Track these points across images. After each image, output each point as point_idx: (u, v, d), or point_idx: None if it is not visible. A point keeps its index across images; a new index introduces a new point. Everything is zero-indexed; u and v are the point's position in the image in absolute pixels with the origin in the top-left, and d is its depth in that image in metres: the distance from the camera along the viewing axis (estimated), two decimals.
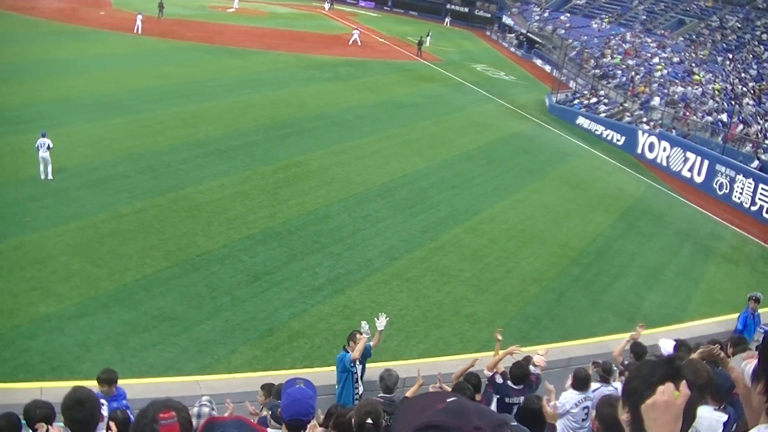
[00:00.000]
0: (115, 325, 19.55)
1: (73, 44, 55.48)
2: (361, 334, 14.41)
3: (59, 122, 34.30)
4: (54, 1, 74.46)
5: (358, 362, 14.24)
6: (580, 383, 11.84)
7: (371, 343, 14.60)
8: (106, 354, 18.24)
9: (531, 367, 12.74)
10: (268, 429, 8.30)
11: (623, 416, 3.30)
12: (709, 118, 48.10)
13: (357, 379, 14.26)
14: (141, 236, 24.95)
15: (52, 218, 25.27)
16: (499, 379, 12.41)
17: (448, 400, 2.64)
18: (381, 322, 14.42)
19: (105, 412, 8.48)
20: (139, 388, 14.69)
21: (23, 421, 8.09)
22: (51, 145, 27.85)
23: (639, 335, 14.53)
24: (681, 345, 13.25)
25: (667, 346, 13.47)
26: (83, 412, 5.77)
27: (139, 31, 63.15)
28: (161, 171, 30.98)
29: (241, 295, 22.14)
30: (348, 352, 14.25)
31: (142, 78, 47.37)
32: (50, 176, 28.04)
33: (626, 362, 13.65)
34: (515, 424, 8.09)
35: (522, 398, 11.81)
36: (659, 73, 60.14)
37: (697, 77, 57.39)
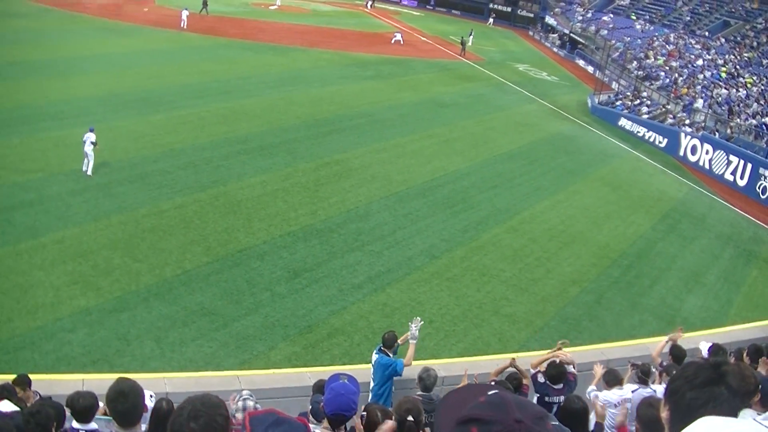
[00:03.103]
0: (155, 320, 19.69)
1: (116, 40, 56.01)
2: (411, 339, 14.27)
3: (102, 117, 34.57)
4: None
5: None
6: (612, 380, 11.90)
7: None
8: (146, 348, 18.38)
9: (569, 367, 12.70)
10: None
11: (663, 413, 3.28)
12: (753, 121, 47.59)
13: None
14: (181, 231, 25.11)
15: (94, 212, 25.50)
16: (541, 378, 12.37)
17: (489, 393, 2.63)
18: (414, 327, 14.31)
19: (149, 402, 8.53)
20: (178, 382, 14.75)
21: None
22: (95, 141, 28.09)
23: (678, 338, 14.40)
24: (717, 349, 13.14)
25: (705, 350, 13.40)
26: (126, 403, 5.78)
27: (185, 26, 63.65)
28: (202, 167, 31.14)
29: (280, 291, 22.19)
30: (388, 355, 14.08)
31: (184, 74, 47.69)
32: (89, 172, 28.21)
33: (664, 363, 13.52)
34: (556, 423, 7.99)
35: (561, 397, 11.77)
36: (723, 74, 59.52)
37: (749, 80, 56.81)
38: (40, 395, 11.07)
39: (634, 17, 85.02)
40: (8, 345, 17.61)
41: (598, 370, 12.62)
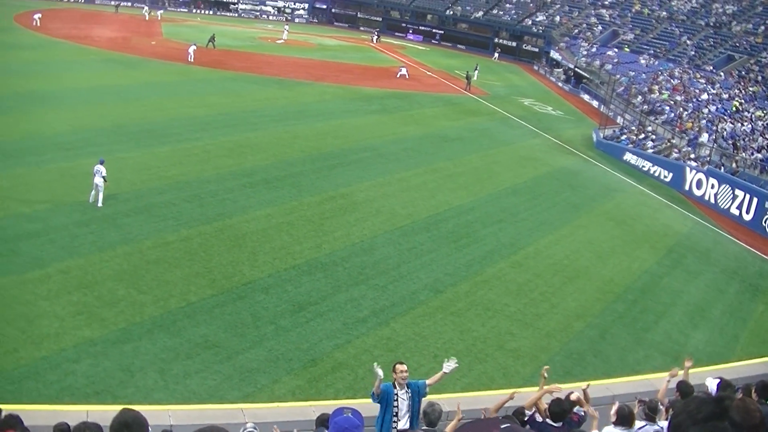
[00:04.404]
0: (159, 352, 19.65)
1: (123, 72, 56.44)
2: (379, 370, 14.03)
3: (108, 149, 34.72)
4: (107, 31, 75.92)
5: (402, 398, 13.95)
6: (623, 419, 11.66)
7: (428, 382, 14.26)
8: (149, 380, 18.33)
9: (576, 408, 12.54)
10: None
11: None
12: (759, 155, 47.60)
13: (397, 413, 14.02)
14: (186, 264, 25.13)
15: (99, 243, 25.57)
16: (538, 418, 12.24)
17: (502, 426, 2.66)
18: (449, 365, 14.05)
19: None
20: (182, 414, 14.71)
21: None
22: (104, 174, 28.29)
23: (676, 372, 14.32)
24: (726, 385, 13.02)
25: (714, 386, 13.26)
26: None
27: (192, 59, 64.19)
28: (207, 199, 31.22)
29: (285, 324, 22.15)
30: (392, 384, 14.01)
31: (190, 107, 47.95)
32: (100, 203, 28.45)
33: (672, 399, 13.45)
34: None
35: None
36: (735, 107, 59.54)
37: (759, 114, 56.79)
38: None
39: (627, 49, 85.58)
40: (13, 375, 17.59)
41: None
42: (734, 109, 59.35)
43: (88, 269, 23.56)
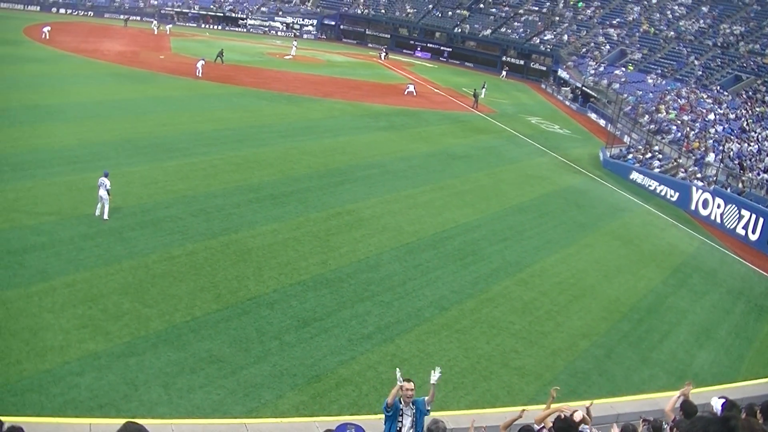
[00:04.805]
0: (163, 366, 19.62)
1: (132, 87, 56.67)
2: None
3: (115, 163, 34.86)
4: (116, 45, 76.26)
5: (406, 414, 13.94)
6: None
7: (427, 398, 14.25)
8: (153, 394, 18.29)
9: (582, 426, 12.48)
10: None
11: None
12: (766, 176, 47.50)
13: (401, 429, 13.99)
14: (192, 278, 25.12)
15: (105, 257, 25.59)
16: None
17: None
18: (434, 376, 14.02)
19: None
20: (186, 429, 14.70)
21: None
22: (108, 187, 28.34)
23: (689, 391, 14.24)
24: (731, 405, 12.96)
25: (718, 406, 13.20)
26: None
27: (200, 74, 64.41)
28: (214, 214, 31.26)
29: (289, 340, 22.11)
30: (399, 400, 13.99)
31: (198, 121, 48.06)
32: (106, 216, 28.58)
33: (676, 418, 13.39)
34: None
35: None
36: (743, 125, 59.45)
37: (767, 134, 56.67)
38: None
39: (631, 68, 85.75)
40: (16, 387, 17.56)
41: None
42: (742, 130, 59.21)
43: (93, 282, 23.58)
